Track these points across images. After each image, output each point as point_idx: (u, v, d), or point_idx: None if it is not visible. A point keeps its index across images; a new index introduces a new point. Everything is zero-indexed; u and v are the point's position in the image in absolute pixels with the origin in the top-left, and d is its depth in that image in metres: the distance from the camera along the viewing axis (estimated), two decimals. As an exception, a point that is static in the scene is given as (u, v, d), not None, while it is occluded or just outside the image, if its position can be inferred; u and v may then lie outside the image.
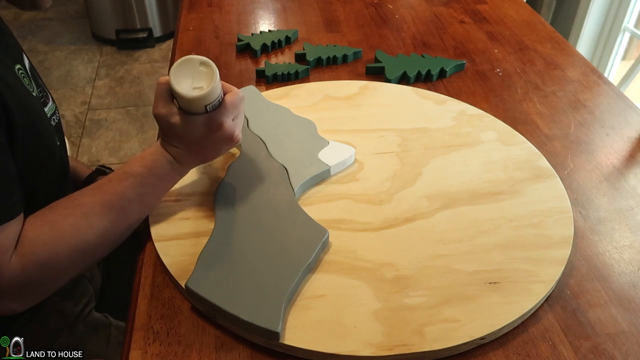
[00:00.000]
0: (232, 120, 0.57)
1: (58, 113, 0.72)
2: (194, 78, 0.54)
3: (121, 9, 2.47)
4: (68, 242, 0.53)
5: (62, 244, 0.53)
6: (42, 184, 0.63)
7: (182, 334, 0.53)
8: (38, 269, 0.52)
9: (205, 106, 0.55)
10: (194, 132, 0.56)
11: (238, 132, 0.59)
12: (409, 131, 0.77)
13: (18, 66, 0.62)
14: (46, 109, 0.66)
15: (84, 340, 0.71)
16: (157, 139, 0.61)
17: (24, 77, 0.62)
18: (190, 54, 0.63)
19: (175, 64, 0.54)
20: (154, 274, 0.59)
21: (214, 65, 0.54)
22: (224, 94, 0.57)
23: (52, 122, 0.67)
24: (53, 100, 0.71)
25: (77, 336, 0.71)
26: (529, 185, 0.68)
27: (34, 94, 0.63)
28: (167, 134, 0.58)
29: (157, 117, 0.57)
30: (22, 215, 0.53)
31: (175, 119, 0.56)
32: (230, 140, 0.58)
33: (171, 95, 0.56)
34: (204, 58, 0.54)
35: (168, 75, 0.55)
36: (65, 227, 0.53)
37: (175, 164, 0.59)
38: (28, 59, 0.68)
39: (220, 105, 0.56)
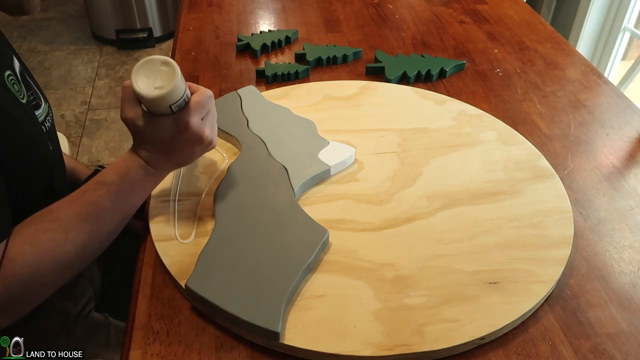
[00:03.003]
0: (201, 120, 0.56)
1: (52, 113, 0.71)
2: (156, 78, 0.53)
3: (121, 9, 2.47)
4: (49, 257, 0.53)
5: (43, 260, 0.52)
6: (32, 194, 0.62)
7: (182, 334, 0.53)
8: (21, 287, 0.52)
9: (170, 106, 0.54)
10: (161, 134, 0.55)
11: (209, 133, 0.57)
12: (409, 131, 0.77)
13: (8, 72, 0.61)
14: (38, 112, 0.65)
15: (83, 341, 0.71)
16: None
17: (14, 83, 0.61)
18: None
19: (136, 65, 0.53)
20: (154, 274, 0.59)
21: (175, 64, 0.53)
22: (192, 94, 0.56)
23: (45, 127, 0.66)
24: (46, 99, 0.70)
25: (75, 337, 0.71)
26: (529, 185, 0.68)
27: (23, 100, 0.62)
28: (136, 138, 0.57)
29: (125, 121, 0.55)
30: (6, 238, 0.52)
31: (142, 121, 0.54)
32: (201, 140, 0.57)
33: (137, 98, 0.55)
34: (166, 57, 0.53)
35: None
36: (45, 242, 0.53)
37: (149, 168, 0.57)
38: (19, 60, 0.67)
39: (186, 105, 0.55)
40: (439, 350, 0.50)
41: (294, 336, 0.51)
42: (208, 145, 0.58)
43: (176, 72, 0.52)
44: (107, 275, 0.83)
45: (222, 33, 1.06)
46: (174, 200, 0.65)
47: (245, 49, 1.00)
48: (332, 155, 0.70)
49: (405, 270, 0.57)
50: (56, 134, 0.73)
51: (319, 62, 0.96)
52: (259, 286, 0.54)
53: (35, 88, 0.68)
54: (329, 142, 0.72)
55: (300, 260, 0.56)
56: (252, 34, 1.03)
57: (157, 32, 2.58)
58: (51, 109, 0.71)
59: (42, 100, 0.68)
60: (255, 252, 0.57)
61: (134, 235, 0.72)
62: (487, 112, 0.82)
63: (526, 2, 1.26)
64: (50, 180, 0.66)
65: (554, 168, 0.71)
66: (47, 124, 0.68)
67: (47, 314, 0.70)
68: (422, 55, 0.96)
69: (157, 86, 0.52)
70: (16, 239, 0.53)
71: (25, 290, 0.53)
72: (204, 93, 0.56)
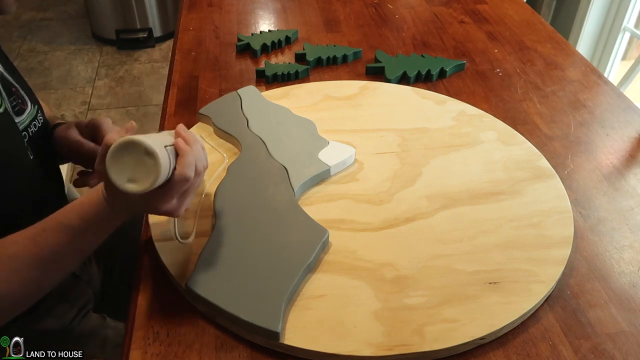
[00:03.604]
0: (177, 197, 0.52)
1: (41, 115, 0.67)
2: (134, 166, 0.46)
3: (121, 9, 2.47)
4: None
5: None
6: (16, 208, 0.60)
7: (182, 334, 0.53)
8: None
9: None
10: (134, 201, 0.51)
11: (181, 210, 0.53)
12: (409, 131, 0.77)
13: None
14: (21, 118, 0.62)
15: (80, 344, 0.70)
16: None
17: None
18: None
19: (117, 145, 0.46)
20: (154, 274, 0.59)
21: (160, 159, 0.46)
22: (178, 158, 0.50)
23: (28, 132, 0.63)
24: (34, 101, 0.66)
25: (72, 340, 0.70)
26: (529, 185, 0.68)
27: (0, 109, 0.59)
28: (108, 191, 0.52)
29: (100, 173, 0.51)
30: None
31: None
32: (172, 215, 0.53)
33: None
34: (151, 148, 0.46)
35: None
36: None
37: (115, 215, 0.53)
38: (2, 62, 0.64)
39: (165, 183, 0.49)
40: (439, 350, 0.50)
41: (294, 336, 0.51)
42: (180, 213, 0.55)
43: (159, 174, 0.46)
44: (107, 275, 0.83)
45: (222, 33, 1.06)
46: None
47: (245, 49, 1.00)
48: (332, 155, 0.70)
49: (405, 270, 0.57)
50: (47, 137, 0.69)
51: (319, 62, 0.96)
52: (259, 286, 0.54)
53: (21, 91, 0.65)
54: (329, 142, 0.72)
55: (300, 260, 0.56)
56: (252, 34, 1.03)
57: (157, 32, 2.58)
58: (41, 111, 0.68)
59: (28, 104, 0.65)
60: (255, 252, 0.57)
61: (133, 235, 0.71)
62: (487, 112, 0.82)
63: (526, 2, 1.26)
64: (38, 192, 0.63)
65: (554, 168, 0.71)
66: (33, 129, 0.65)
67: (44, 316, 0.69)
68: (422, 55, 0.96)
69: (132, 178, 0.46)
70: None
71: None
72: (183, 169, 0.50)
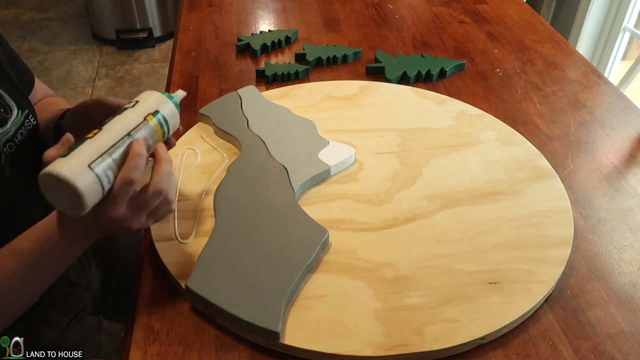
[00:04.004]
0: (126, 206, 0.47)
1: (32, 120, 0.63)
2: (66, 193, 0.43)
3: (121, 9, 2.47)
4: None
5: None
6: None
7: (182, 334, 0.53)
8: None
9: None
10: (80, 219, 0.47)
11: (138, 223, 0.49)
12: (409, 131, 0.77)
13: None
14: (5, 128, 0.59)
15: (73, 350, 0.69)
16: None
17: None
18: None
19: (40, 176, 0.44)
20: (154, 274, 0.59)
21: (79, 187, 0.43)
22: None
23: (14, 142, 0.59)
24: (22, 106, 0.62)
25: (65, 348, 0.68)
26: (529, 185, 0.68)
27: None
28: (58, 212, 0.50)
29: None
30: None
31: None
32: (128, 227, 0.49)
33: None
34: (65, 178, 0.42)
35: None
36: None
37: (69, 239, 0.51)
38: None
39: (105, 196, 0.46)
40: (439, 350, 0.50)
41: (294, 336, 0.51)
42: (145, 225, 0.51)
43: (84, 197, 0.43)
44: (107, 276, 0.83)
45: (222, 33, 1.06)
46: (174, 201, 0.65)
47: (245, 49, 1.00)
48: (332, 155, 0.70)
49: (405, 270, 0.57)
50: (38, 144, 0.65)
51: (319, 62, 0.96)
52: (259, 286, 0.54)
53: (6, 97, 0.61)
54: (329, 142, 0.72)
55: (300, 260, 0.56)
56: (252, 34, 1.03)
57: (157, 32, 2.58)
58: (32, 114, 0.64)
59: (13, 111, 0.61)
60: (255, 252, 0.57)
61: (133, 235, 0.71)
62: (487, 112, 0.82)
63: (526, 2, 1.26)
64: (17, 208, 0.60)
65: (554, 168, 0.71)
66: (20, 137, 0.61)
67: (38, 325, 0.67)
68: (422, 55, 0.96)
69: (68, 203, 0.44)
70: None
71: None
72: (129, 173, 0.46)
